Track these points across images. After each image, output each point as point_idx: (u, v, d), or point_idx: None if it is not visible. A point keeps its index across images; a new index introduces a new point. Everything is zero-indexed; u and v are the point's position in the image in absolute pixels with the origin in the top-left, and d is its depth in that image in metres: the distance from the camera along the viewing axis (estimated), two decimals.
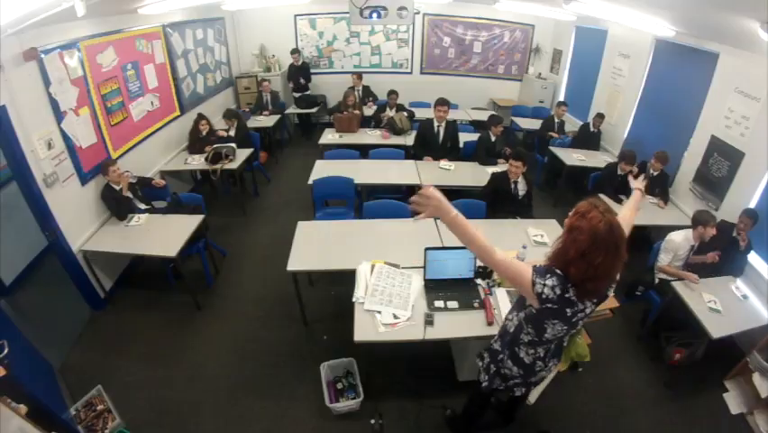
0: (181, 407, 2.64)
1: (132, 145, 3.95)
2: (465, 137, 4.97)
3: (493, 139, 4.59)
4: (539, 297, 1.45)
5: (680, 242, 3.12)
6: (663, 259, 3.19)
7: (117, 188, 3.44)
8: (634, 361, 3.12)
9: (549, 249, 1.48)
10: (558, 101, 5.97)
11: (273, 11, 6.66)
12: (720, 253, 3.02)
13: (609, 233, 1.30)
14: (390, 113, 5.52)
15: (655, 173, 4.12)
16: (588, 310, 1.51)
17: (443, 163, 4.40)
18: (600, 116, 5.32)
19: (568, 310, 1.47)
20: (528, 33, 7.27)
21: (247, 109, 6.30)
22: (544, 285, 1.43)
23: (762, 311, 2.87)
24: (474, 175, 4.21)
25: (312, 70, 7.05)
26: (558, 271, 1.43)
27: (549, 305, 1.45)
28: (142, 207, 3.64)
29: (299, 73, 6.74)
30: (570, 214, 1.42)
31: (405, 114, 5.42)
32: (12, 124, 2.60)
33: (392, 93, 5.68)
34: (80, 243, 3.18)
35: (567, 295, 1.42)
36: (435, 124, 4.53)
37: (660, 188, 4.12)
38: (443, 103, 4.44)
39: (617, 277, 1.45)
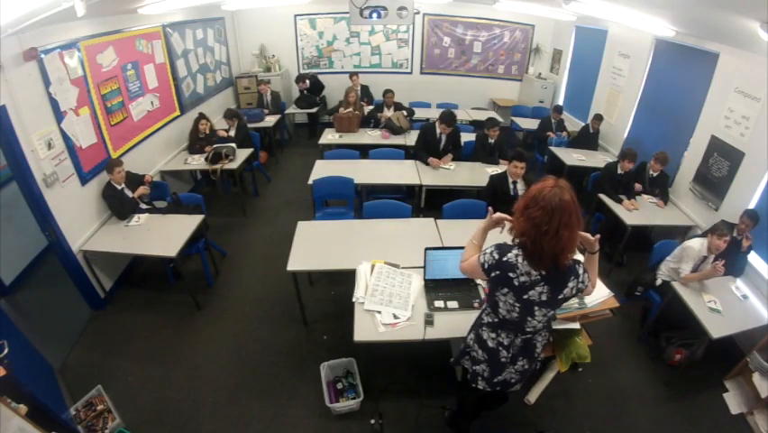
0: (181, 407, 2.64)
1: (132, 145, 3.95)
2: (465, 137, 4.95)
3: (491, 141, 4.59)
4: (482, 267, 1.59)
5: (698, 249, 2.98)
6: (685, 268, 2.98)
7: (119, 187, 3.44)
8: (634, 361, 3.12)
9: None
10: (554, 106, 5.97)
11: (273, 11, 6.67)
12: (724, 261, 2.88)
13: (560, 200, 1.39)
14: (388, 112, 5.52)
15: (655, 174, 4.13)
16: (543, 296, 1.52)
17: (444, 164, 4.39)
18: (599, 118, 5.32)
19: (511, 275, 1.51)
20: (528, 33, 7.27)
21: (250, 105, 6.29)
22: (484, 254, 1.60)
23: (762, 311, 2.87)
24: (474, 175, 4.21)
25: (312, 71, 7.05)
26: (501, 243, 1.57)
27: (493, 274, 1.56)
28: (143, 206, 3.64)
29: (311, 94, 6.75)
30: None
31: (404, 112, 5.41)
32: (12, 124, 2.60)
33: (388, 92, 5.67)
34: (80, 243, 3.18)
35: (506, 259, 1.52)
36: (438, 130, 4.44)
37: (660, 188, 4.13)
38: (449, 123, 4.29)
39: (570, 250, 1.45)
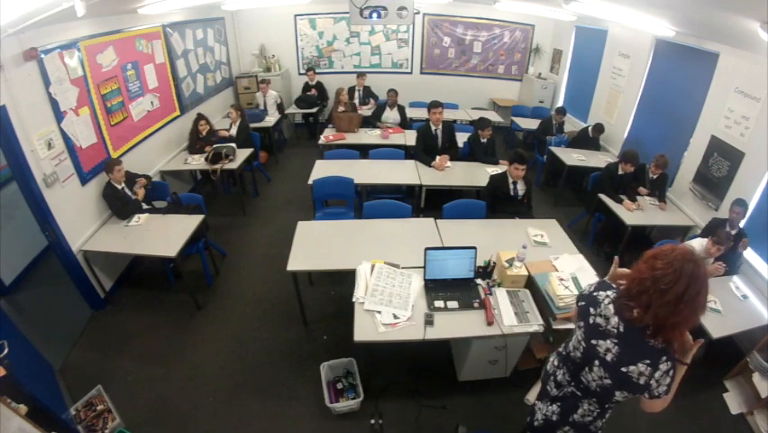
0: (181, 407, 2.64)
1: (132, 145, 3.95)
2: (466, 137, 4.96)
3: (483, 141, 4.60)
4: (578, 295, 1.59)
5: (698, 250, 2.92)
6: None
7: (119, 186, 3.44)
8: None
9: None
10: (557, 107, 5.96)
11: (273, 11, 6.67)
12: (725, 264, 2.91)
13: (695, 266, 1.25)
14: (390, 111, 5.54)
15: (655, 176, 4.12)
16: (609, 355, 1.36)
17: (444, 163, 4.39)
18: (599, 129, 5.30)
19: (591, 311, 1.43)
20: (528, 33, 7.27)
21: (250, 106, 6.30)
22: (589, 285, 1.55)
23: (762, 311, 2.87)
24: (474, 175, 4.21)
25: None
26: (606, 281, 1.52)
27: (580, 303, 1.50)
28: (143, 206, 3.64)
29: (315, 91, 6.78)
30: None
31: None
32: (12, 124, 2.60)
33: (391, 91, 5.71)
34: (80, 243, 3.18)
35: (596, 294, 1.45)
36: (433, 127, 4.47)
37: (659, 190, 4.13)
38: (437, 105, 4.37)
39: (674, 332, 1.29)
